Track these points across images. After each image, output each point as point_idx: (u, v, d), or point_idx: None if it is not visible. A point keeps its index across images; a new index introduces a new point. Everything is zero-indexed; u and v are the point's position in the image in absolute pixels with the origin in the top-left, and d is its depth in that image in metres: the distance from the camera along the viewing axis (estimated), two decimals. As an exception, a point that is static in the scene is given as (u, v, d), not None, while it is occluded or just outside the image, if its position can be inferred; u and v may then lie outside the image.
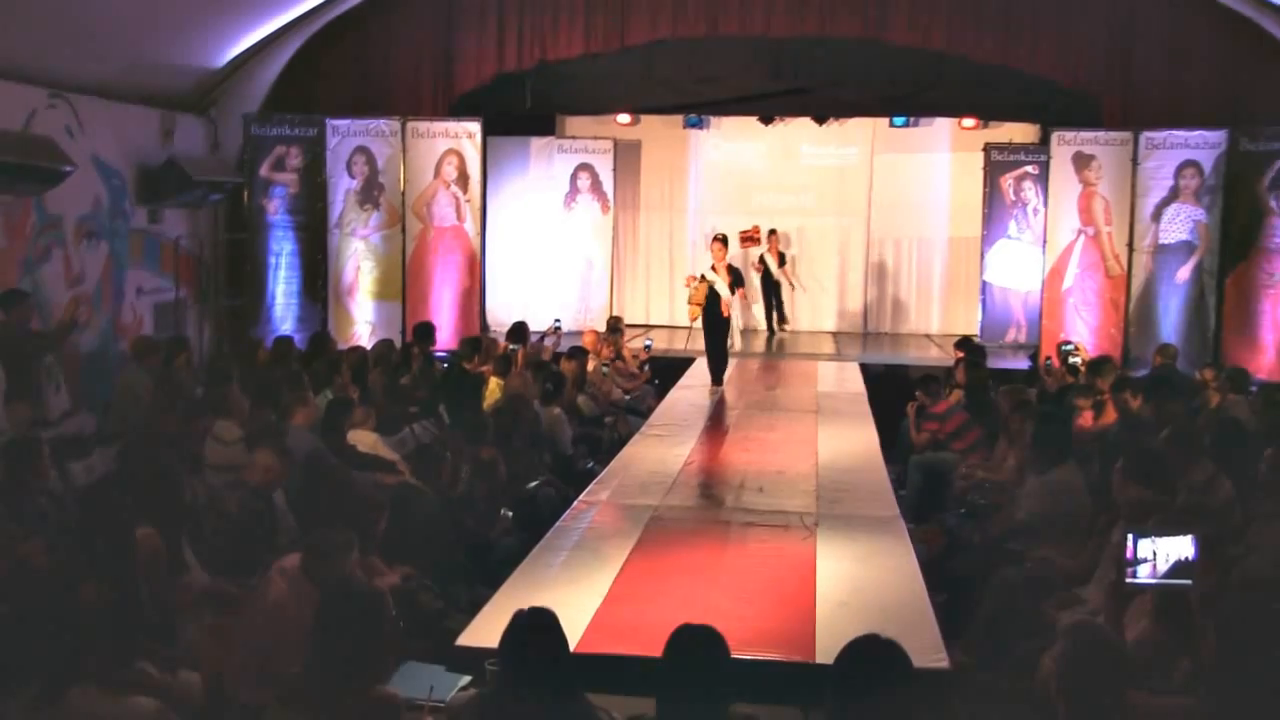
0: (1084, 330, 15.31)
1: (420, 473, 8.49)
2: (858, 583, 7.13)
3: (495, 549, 8.15)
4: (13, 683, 4.45)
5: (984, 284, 17.53)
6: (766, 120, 19.32)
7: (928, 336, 19.42)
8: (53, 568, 5.72)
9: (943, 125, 19.42)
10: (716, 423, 12.39)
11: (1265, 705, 4.27)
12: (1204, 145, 14.84)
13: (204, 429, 8.62)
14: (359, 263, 15.75)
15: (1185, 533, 4.83)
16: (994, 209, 17.33)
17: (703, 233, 18.85)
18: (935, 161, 19.74)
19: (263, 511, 7.09)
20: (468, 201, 15.64)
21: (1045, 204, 16.00)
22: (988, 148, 17.59)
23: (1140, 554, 4.81)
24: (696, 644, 4.21)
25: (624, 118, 19.03)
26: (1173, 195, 15.02)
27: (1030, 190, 17.09)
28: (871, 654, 3.89)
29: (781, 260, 18.89)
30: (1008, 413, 9.68)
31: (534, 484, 9.44)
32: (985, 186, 17.40)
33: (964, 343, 14.09)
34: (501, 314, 17.31)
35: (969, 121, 18.73)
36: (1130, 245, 15.22)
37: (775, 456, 10.62)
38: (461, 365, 12.65)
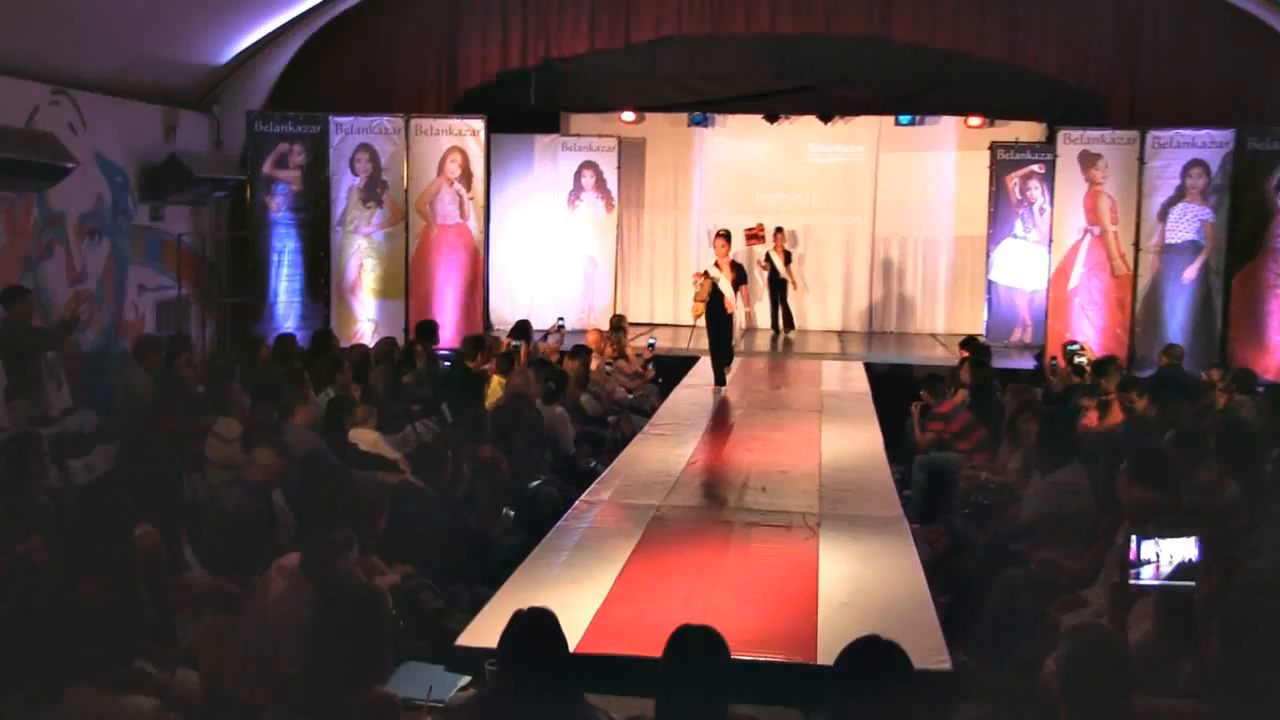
0: (1090, 330, 15.28)
1: (421, 472, 8.43)
2: (860, 583, 7.07)
3: (496, 548, 8.10)
4: (11, 681, 4.43)
5: (989, 283, 17.50)
6: (771, 118, 19.30)
7: (933, 336, 19.38)
8: (51, 566, 5.70)
9: (948, 124, 19.35)
10: (720, 422, 12.32)
11: (1269, 708, 4.24)
12: (1211, 144, 14.80)
13: (205, 427, 8.56)
14: (362, 260, 15.75)
15: (1189, 534, 4.78)
16: (1000, 208, 17.29)
17: (707, 231, 18.77)
18: (941, 160, 19.67)
19: (263, 510, 7.07)
20: (471, 199, 15.64)
21: (1051, 203, 15.97)
22: (994, 146, 17.55)
23: (1144, 555, 4.76)
24: (696, 644, 4.20)
25: (628, 115, 19.00)
26: (1179, 195, 14.99)
27: (1036, 189, 17.05)
28: (872, 655, 3.88)
29: (788, 259, 18.83)
30: (1014, 412, 9.64)
31: (536, 483, 9.40)
32: (991, 185, 17.37)
33: (969, 342, 14.08)
34: (505, 312, 17.34)
35: (975, 120, 18.66)
36: (1136, 245, 15.19)
37: (778, 456, 10.55)
38: (464, 364, 12.61)
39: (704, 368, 14.39)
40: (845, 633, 4.86)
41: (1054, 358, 14.18)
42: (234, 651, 5.38)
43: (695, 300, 13.70)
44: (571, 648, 4.60)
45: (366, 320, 15.73)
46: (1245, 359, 13.93)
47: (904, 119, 19.03)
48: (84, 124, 12.59)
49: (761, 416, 12.62)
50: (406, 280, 15.71)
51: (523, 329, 14.10)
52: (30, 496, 6.90)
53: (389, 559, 6.80)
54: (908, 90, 17.22)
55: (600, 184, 18.45)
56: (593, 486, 9.41)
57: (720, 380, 13.81)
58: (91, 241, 12.84)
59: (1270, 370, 14.03)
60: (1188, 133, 14.92)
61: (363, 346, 12.85)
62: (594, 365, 13.22)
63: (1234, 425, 8.50)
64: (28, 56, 11.62)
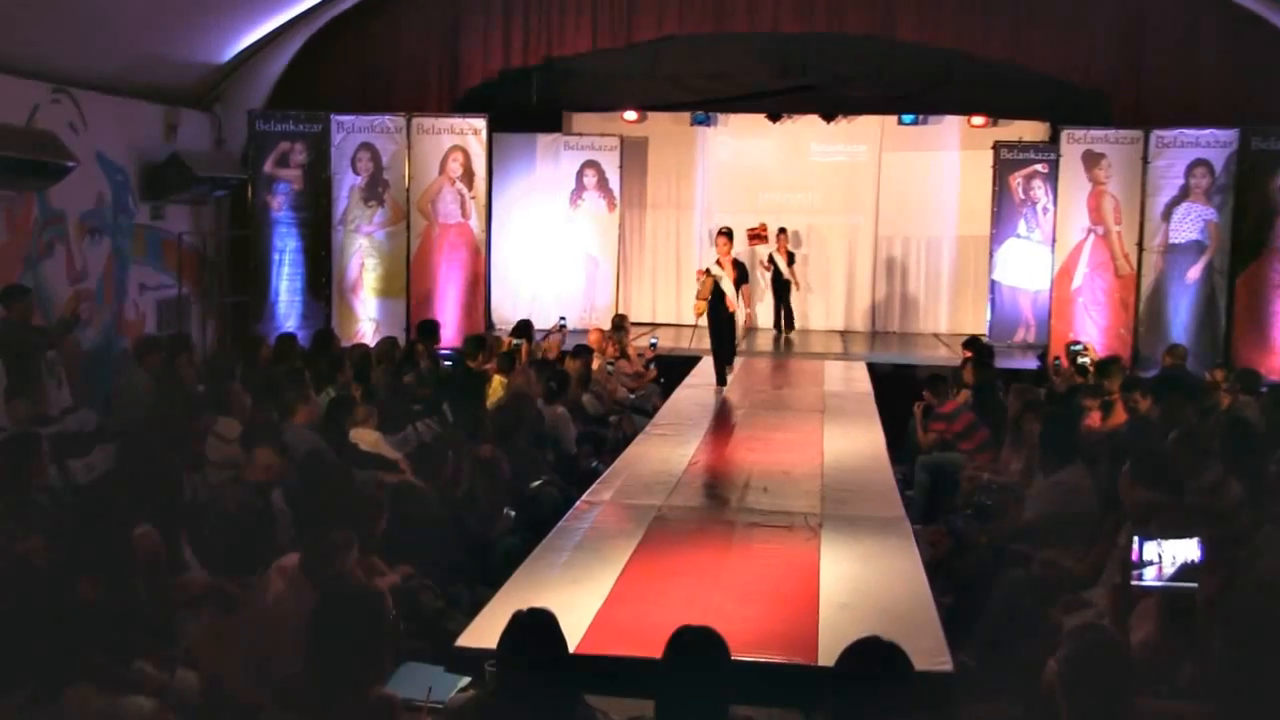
0: (1093, 330, 15.27)
1: (422, 472, 8.41)
2: (861, 584, 7.04)
3: (497, 549, 8.07)
4: (10, 682, 4.41)
5: (993, 283, 17.44)
6: (774, 118, 19.29)
7: (936, 336, 19.34)
8: (51, 566, 5.66)
9: (952, 123, 19.33)
10: (722, 422, 12.29)
11: (1271, 710, 4.24)
12: (1215, 144, 14.79)
13: (205, 427, 8.54)
14: (363, 260, 15.77)
15: (1192, 535, 4.79)
16: (1003, 207, 17.23)
17: (709, 231, 18.80)
18: (944, 159, 19.65)
19: (263, 510, 7.04)
20: (473, 198, 15.65)
21: (1055, 203, 15.95)
22: (997, 146, 17.50)
23: (1146, 556, 4.77)
24: (696, 645, 4.18)
25: (631, 115, 19.03)
26: (1183, 194, 14.99)
27: (1040, 189, 16.98)
28: (872, 656, 3.88)
29: (791, 260, 18.80)
30: (1017, 413, 9.60)
31: (537, 483, 9.36)
32: (994, 185, 17.31)
33: (972, 342, 14.02)
34: (507, 312, 17.31)
35: (978, 119, 18.66)
36: (1140, 244, 15.19)
37: (780, 456, 10.51)
38: (465, 363, 12.59)
39: (706, 368, 14.35)
40: (846, 634, 4.82)
41: (1057, 358, 14.16)
42: (233, 652, 5.35)
43: (697, 298, 13.64)
44: (572, 648, 4.57)
45: (368, 320, 15.74)
46: (1249, 359, 13.92)
47: (907, 118, 19.05)
48: (85, 123, 12.59)
49: (764, 417, 12.58)
50: (408, 279, 15.72)
51: (524, 328, 14.07)
52: (30, 496, 6.86)
53: (389, 559, 6.76)
54: (911, 89, 17.20)
55: (602, 183, 18.41)
56: (594, 487, 9.37)
57: (722, 380, 13.77)
58: (92, 241, 12.83)
59: (1274, 370, 14.01)
60: (1191, 132, 14.91)
61: (364, 346, 12.83)
62: (595, 365, 13.19)
63: (1238, 426, 8.50)
64: (28, 55, 11.61)
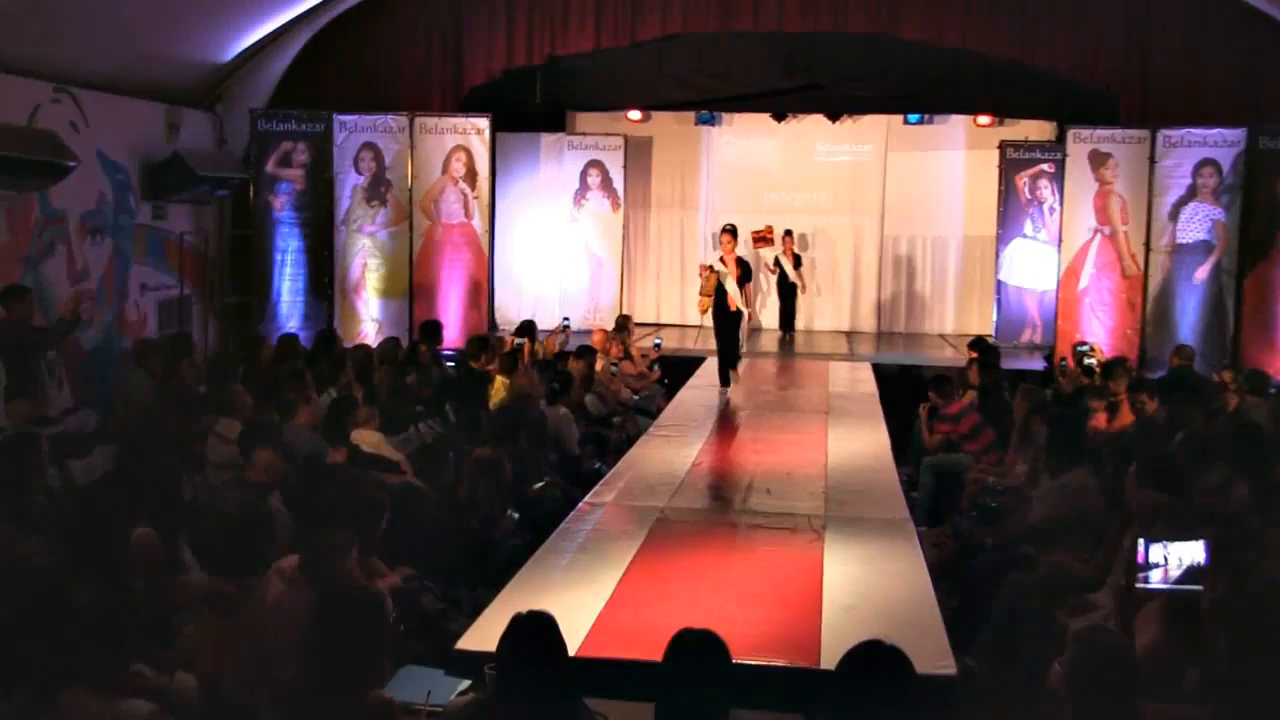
0: (1100, 331, 15.23)
1: (423, 473, 8.37)
2: (865, 587, 7.01)
3: (499, 550, 8.01)
4: (7, 684, 4.39)
5: (999, 283, 17.36)
6: (779, 117, 19.28)
7: (942, 336, 19.31)
8: (49, 567, 5.63)
9: (958, 122, 19.30)
10: (726, 423, 12.28)
11: (1277, 715, 4.21)
12: (1222, 143, 14.74)
13: (206, 427, 8.53)
14: (365, 260, 15.76)
15: (1197, 537, 4.79)
16: (1009, 207, 17.15)
17: (713, 234, 18.77)
18: (950, 159, 19.63)
19: (264, 512, 6.98)
20: (476, 198, 15.65)
21: (1061, 203, 15.89)
22: (1003, 145, 17.42)
23: (1151, 559, 4.78)
24: (696, 648, 4.19)
25: (635, 114, 19.04)
26: (1191, 194, 14.94)
27: (1046, 188, 16.90)
28: (873, 660, 3.86)
29: (797, 262, 18.74)
30: (1025, 414, 9.55)
31: (539, 485, 9.31)
32: (1001, 184, 17.23)
33: (977, 343, 13.96)
34: (510, 312, 17.32)
35: (984, 119, 18.64)
36: (1147, 245, 15.15)
37: (784, 458, 10.49)
38: (468, 364, 12.54)
39: (710, 368, 14.35)
40: (849, 637, 4.76)
41: (1063, 359, 14.11)
42: (232, 654, 5.29)
43: (701, 294, 13.54)
44: (573, 651, 4.58)
45: (370, 320, 15.73)
46: (1257, 360, 13.86)
47: (913, 118, 19.03)
48: (86, 122, 12.54)
49: (768, 417, 12.57)
50: (410, 280, 15.72)
51: (527, 328, 14.05)
52: (29, 497, 6.84)
53: (390, 561, 6.71)
54: (916, 89, 17.18)
55: (606, 183, 18.34)
56: (596, 488, 9.37)
57: (725, 381, 13.70)
58: (93, 240, 12.80)
59: (1283, 372, 13.93)
60: (1199, 131, 14.86)
61: (366, 347, 12.77)
62: (599, 366, 13.16)
63: (1245, 427, 8.46)
64: (29, 54, 11.58)
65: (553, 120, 18.88)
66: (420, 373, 11.64)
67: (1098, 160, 15.25)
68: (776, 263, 18.63)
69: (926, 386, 11.92)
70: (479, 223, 15.68)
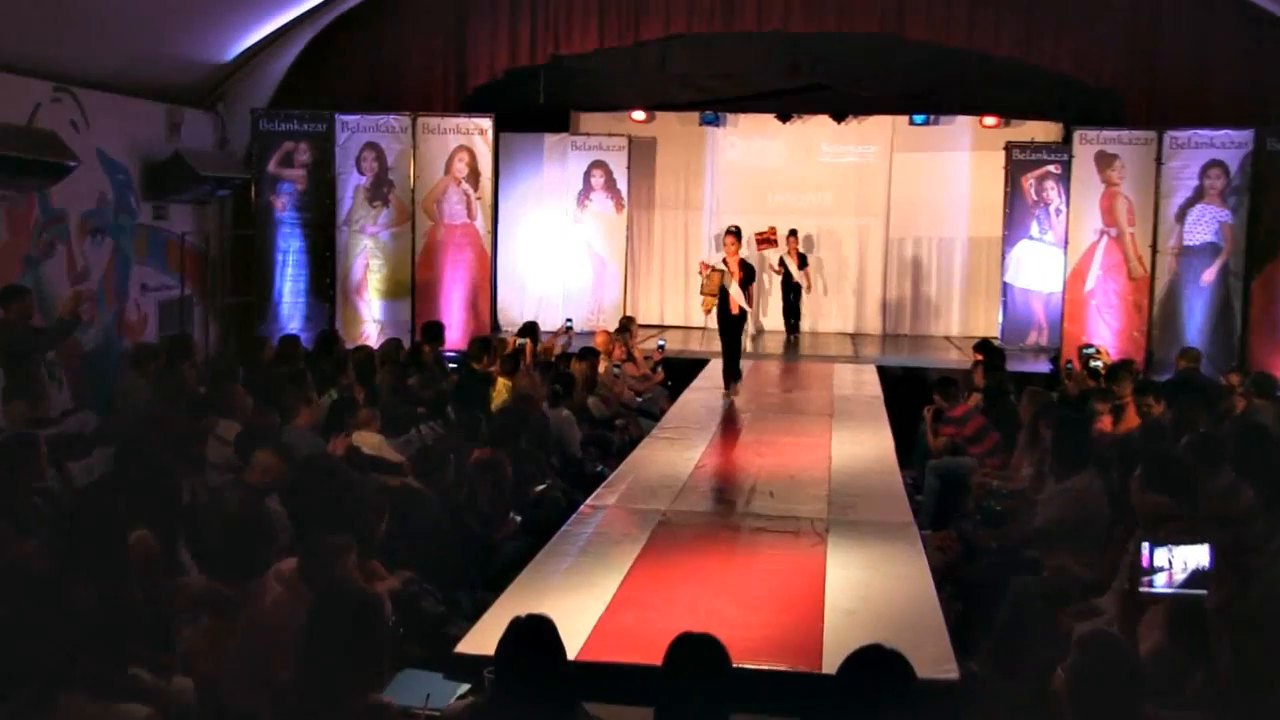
0: (1106, 333, 15.17)
1: (423, 475, 8.32)
2: (867, 591, 7.00)
3: (500, 553, 7.99)
4: (2, 689, 4.34)
5: (1005, 285, 17.31)
6: (784, 118, 19.27)
7: (947, 339, 19.26)
8: (46, 570, 5.59)
9: (963, 123, 19.26)
10: (729, 425, 12.25)
11: (1280, 721, 4.16)
12: (1230, 145, 14.67)
13: (207, 429, 8.47)
14: (368, 260, 15.74)
15: (1202, 541, 4.75)
16: (1015, 209, 17.10)
17: (717, 233, 18.75)
18: (956, 160, 19.56)
19: (263, 514, 6.95)
20: (478, 199, 15.62)
21: (1067, 204, 15.82)
22: (1009, 146, 17.38)
23: (1156, 562, 4.73)
24: (696, 653, 4.18)
25: (639, 114, 19.00)
26: (1197, 196, 14.87)
27: (1052, 190, 16.85)
28: (874, 665, 3.87)
29: (802, 262, 18.68)
30: (1032, 417, 9.48)
31: (541, 487, 9.29)
32: (1006, 186, 17.19)
33: (983, 345, 13.91)
34: (514, 313, 17.34)
35: (990, 120, 18.60)
36: (1154, 247, 15.08)
37: (788, 461, 10.48)
38: (471, 366, 12.49)
39: (714, 370, 14.31)
40: (852, 641, 4.69)
41: (1069, 361, 14.04)
42: (230, 657, 5.32)
43: (704, 294, 13.42)
44: (573, 655, 4.66)
45: (372, 321, 15.72)
46: (1264, 363, 13.78)
47: (918, 119, 18.99)
48: (86, 122, 12.52)
49: (772, 420, 12.55)
50: (413, 281, 15.69)
51: (530, 329, 14.03)
52: (27, 499, 6.79)
53: (390, 563, 6.72)
54: (922, 89, 17.15)
55: (610, 184, 18.28)
56: (598, 490, 9.36)
57: (728, 385, 13.60)
58: (94, 241, 12.77)
59: (1290, 374, 13.85)
60: (1206, 133, 14.79)
61: (367, 348, 12.73)
62: (602, 367, 13.11)
63: (1252, 430, 8.39)
64: (30, 53, 11.55)
65: (556, 120, 18.83)
66: (423, 374, 11.60)
67: (1104, 161, 15.19)
68: (781, 263, 18.57)
69: (932, 389, 11.87)
70: (481, 223, 15.65)
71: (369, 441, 8.92)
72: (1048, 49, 15.44)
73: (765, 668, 5.76)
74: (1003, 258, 17.32)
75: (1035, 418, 9.37)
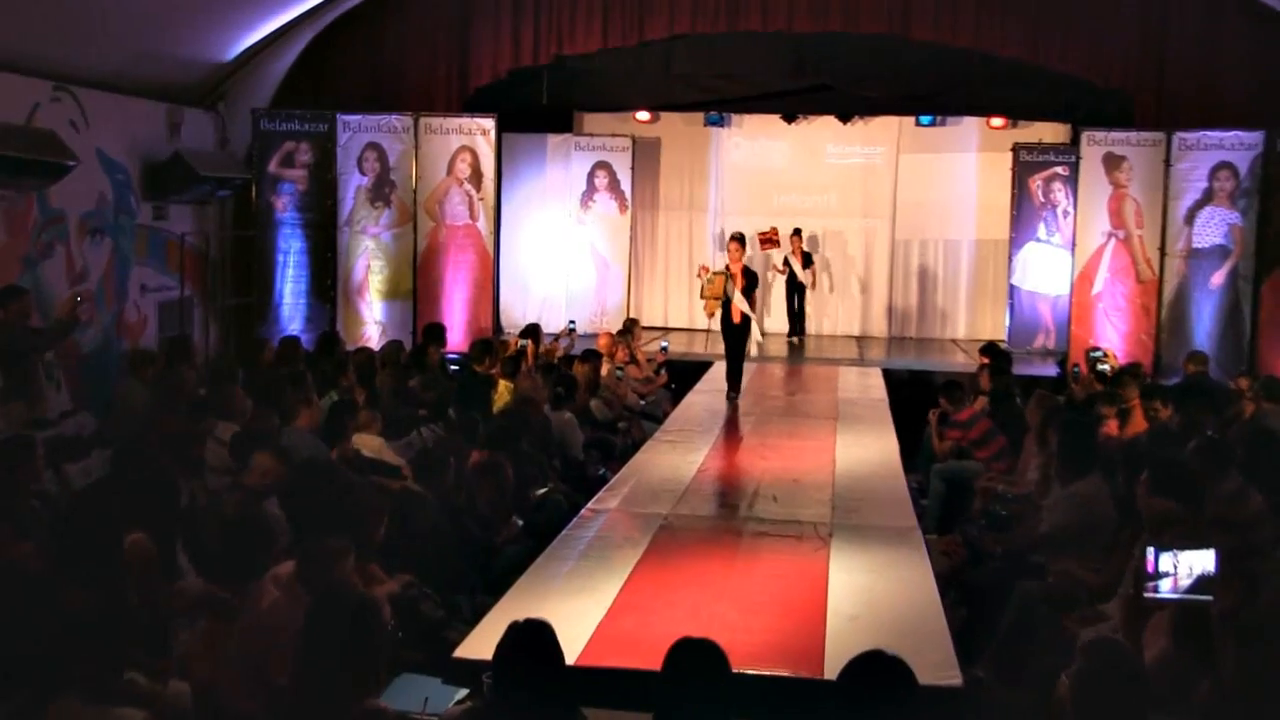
0: (1114, 336, 15.13)
1: (423, 478, 8.26)
2: (870, 596, 6.99)
3: (500, 557, 7.96)
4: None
5: (1012, 288, 17.23)
6: (789, 119, 19.20)
7: (954, 341, 19.17)
8: (42, 572, 5.59)
9: (970, 124, 19.17)
10: (732, 429, 12.23)
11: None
12: (1239, 146, 14.62)
13: (206, 431, 8.45)
14: (369, 261, 15.71)
15: (1208, 546, 4.69)
16: (1022, 211, 17.01)
17: (720, 230, 18.85)
18: (962, 161, 19.46)
19: (261, 516, 6.90)
20: (481, 199, 15.60)
21: (1075, 206, 15.77)
22: (1016, 148, 17.28)
23: (1161, 568, 4.69)
24: (695, 658, 4.17)
25: (643, 115, 18.90)
26: (1207, 198, 14.82)
27: (1060, 192, 16.76)
28: (875, 670, 3.87)
29: (807, 261, 18.60)
30: (1040, 422, 9.39)
31: (543, 490, 9.26)
32: (1014, 188, 17.09)
33: (989, 348, 13.80)
34: (516, 315, 17.34)
35: (997, 121, 18.50)
36: (1162, 249, 15.03)
37: (791, 464, 10.45)
38: (472, 368, 12.43)
39: (717, 373, 14.26)
40: (854, 646, 4.70)
41: (1076, 365, 13.94)
42: (227, 662, 5.30)
43: (705, 297, 13.29)
44: (572, 660, 4.77)
45: (374, 323, 15.70)
46: (1274, 367, 13.71)
47: (925, 120, 18.93)
48: (86, 121, 12.48)
49: (775, 423, 12.50)
50: (415, 282, 15.66)
51: (532, 331, 14.01)
52: (24, 501, 6.78)
53: (389, 567, 6.69)
54: (928, 90, 17.16)
55: (614, 185, 18.26)
56: (600, 494, 9.36)
57: (732, 389, 13.47)
58: (93, 241, 12.74)
59: (1300, 378, 13.77)
60: (1215, 134, 14.74)
61: (367, 349, 12.69)
62: (605, 370, 13.04)
63: (1261, 435, 8.43)
64: (29, 52, 11.51)
65: (559, 121, 18.78)
66: (426, 375, 11.56)
67: (1112, 163, 15.15)
68: (785, 263, 18.50)
69: (937, 392, 11.81)
70: (484, 224, 15.62)
71: (369, 444, 8.94)
72: (1055, 49, 15.39)
73: (766, 673, 5.74)
74: (1010, 260, 17.24)
75: (1044, 422, 9.30)
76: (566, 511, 8.90)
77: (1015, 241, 17.06)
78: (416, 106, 15.70)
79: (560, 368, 12.43)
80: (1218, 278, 14.76)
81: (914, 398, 13.39)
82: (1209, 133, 14.74)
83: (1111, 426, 9.96)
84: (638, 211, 19.06)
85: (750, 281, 13.18)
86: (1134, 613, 4.99)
